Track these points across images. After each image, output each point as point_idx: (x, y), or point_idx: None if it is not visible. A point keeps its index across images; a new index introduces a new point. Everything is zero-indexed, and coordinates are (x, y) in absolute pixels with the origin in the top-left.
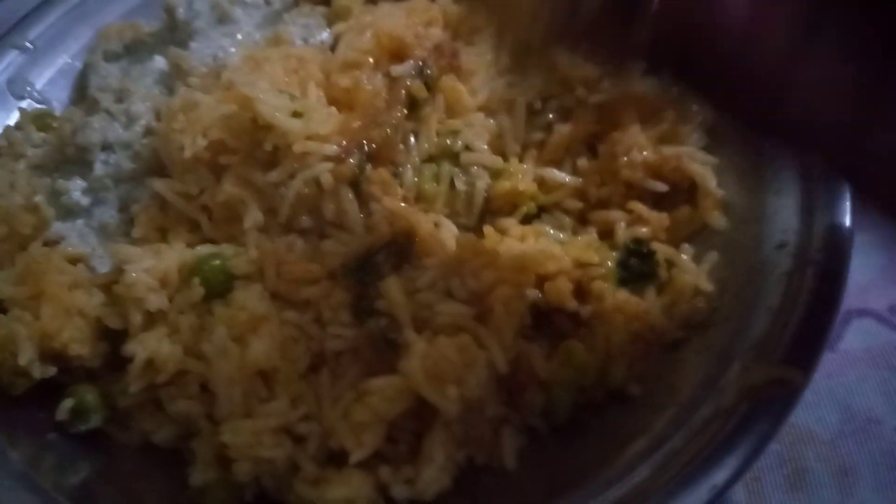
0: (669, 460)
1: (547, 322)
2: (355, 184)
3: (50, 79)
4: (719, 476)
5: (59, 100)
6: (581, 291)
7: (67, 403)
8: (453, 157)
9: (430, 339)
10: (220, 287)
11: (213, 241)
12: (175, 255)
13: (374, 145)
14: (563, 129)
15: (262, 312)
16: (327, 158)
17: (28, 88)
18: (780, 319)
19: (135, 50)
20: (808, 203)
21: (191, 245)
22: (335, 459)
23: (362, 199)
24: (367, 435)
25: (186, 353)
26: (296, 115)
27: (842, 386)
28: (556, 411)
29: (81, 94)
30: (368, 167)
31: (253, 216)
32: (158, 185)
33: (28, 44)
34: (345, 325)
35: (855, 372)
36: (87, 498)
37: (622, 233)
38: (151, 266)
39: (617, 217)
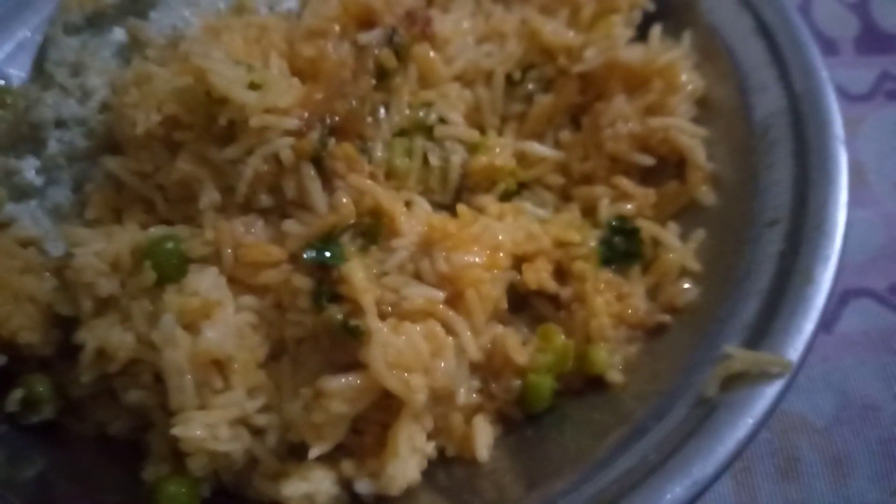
0: (650, 452)
1: (525, 305)
2: (318, 160)
3: (9, 53)
4: (702, 470)
5: (19, 75)
6: (562, 272)
7: (17, 394)
8: (426, 131)
9: (394, 326)
10: (173, 271)
11: (168, 222)
12: (127, 236)
13: (337, 118)
14: (544, 101)
15: (216, 298)
16: (287, 133)
17: None
18: (769, 303)
19: (96, 21)
20: (802, 178)
21: (146, 226)
22: (296, 452)
23: (325, 176)
24: (327, 430)
25: (139, 342)
26: (253, 86)
27: (838, 370)
28: (534, 399)
29: (40, 68)
30: (332, 142)
31: (209, 195)
32: (111, 163)
33: None
34: (305, 312)
35: (852, 356)
36: (42, 491)
37: (606, 210)
38: (102, 249)
39: (601, 193)
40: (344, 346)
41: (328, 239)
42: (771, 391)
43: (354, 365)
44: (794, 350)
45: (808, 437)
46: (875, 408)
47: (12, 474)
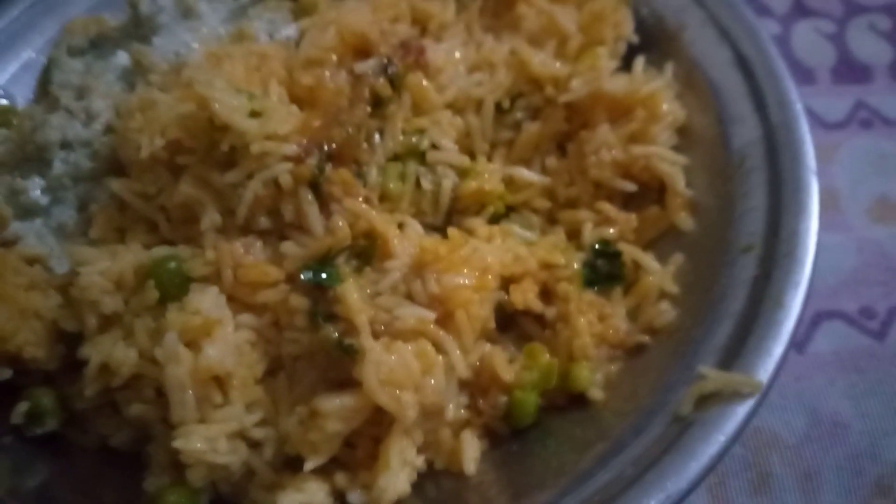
0: (628, 466)
1: (513, 324)
2: (315, 184)
3: (13, 74)
4: (676, 484)
5: (23, 95)
6: (547, 293)
7: (22, 406)
8: (419, 156)
9: (387, 345)
10: (175, 290)
11: (171, 243)
12: (131, 256)
13: (334, 145)
14: (531, 128)
15: (217, 316)
16: (286, 158)
17: None
18: (742, 326)
19: (99, 45)
20: (776, 206)
21: (149, 246)
22: (291, 464)
23: (322, 199)
24: (322, 445)
25: (141, 357)
26: (254, 114)
27: (809, 389)
28: (519, 415)
29: (44, 90)
30: (329, 167)
31: (210, 217)
32: (116, 184)
33: None
34: (301, 330)
35: (823, 375)
36: (45, 500)
37: (589, 233)
38: (106, 268)
39: (585, 217)
40: (338, 363)
41: (324, 260)
42: (742, 410)
43: (348, 382)
44: (765, 371)
45: (780, 452)
46: (844, 425)
47: (16, 483)
